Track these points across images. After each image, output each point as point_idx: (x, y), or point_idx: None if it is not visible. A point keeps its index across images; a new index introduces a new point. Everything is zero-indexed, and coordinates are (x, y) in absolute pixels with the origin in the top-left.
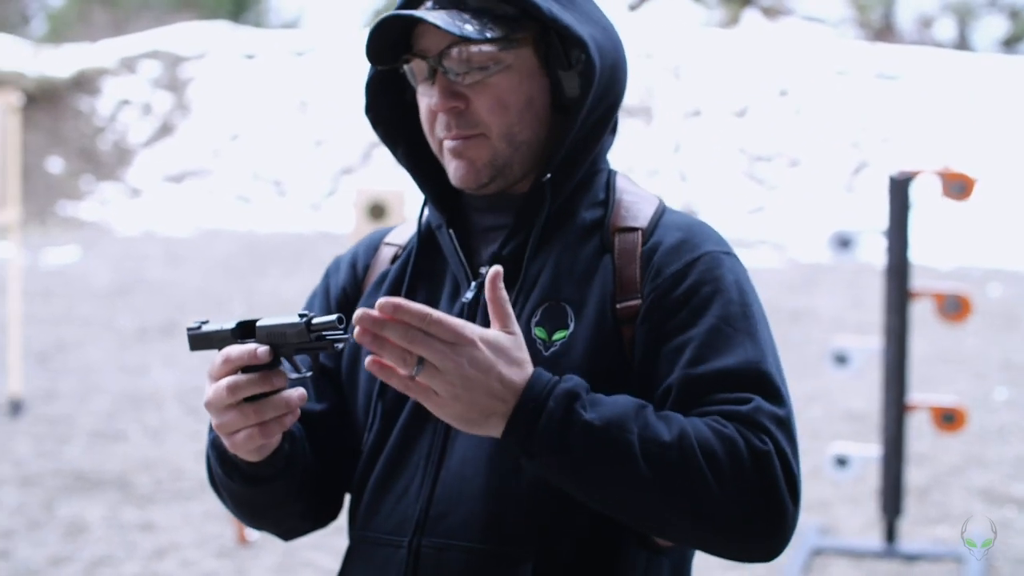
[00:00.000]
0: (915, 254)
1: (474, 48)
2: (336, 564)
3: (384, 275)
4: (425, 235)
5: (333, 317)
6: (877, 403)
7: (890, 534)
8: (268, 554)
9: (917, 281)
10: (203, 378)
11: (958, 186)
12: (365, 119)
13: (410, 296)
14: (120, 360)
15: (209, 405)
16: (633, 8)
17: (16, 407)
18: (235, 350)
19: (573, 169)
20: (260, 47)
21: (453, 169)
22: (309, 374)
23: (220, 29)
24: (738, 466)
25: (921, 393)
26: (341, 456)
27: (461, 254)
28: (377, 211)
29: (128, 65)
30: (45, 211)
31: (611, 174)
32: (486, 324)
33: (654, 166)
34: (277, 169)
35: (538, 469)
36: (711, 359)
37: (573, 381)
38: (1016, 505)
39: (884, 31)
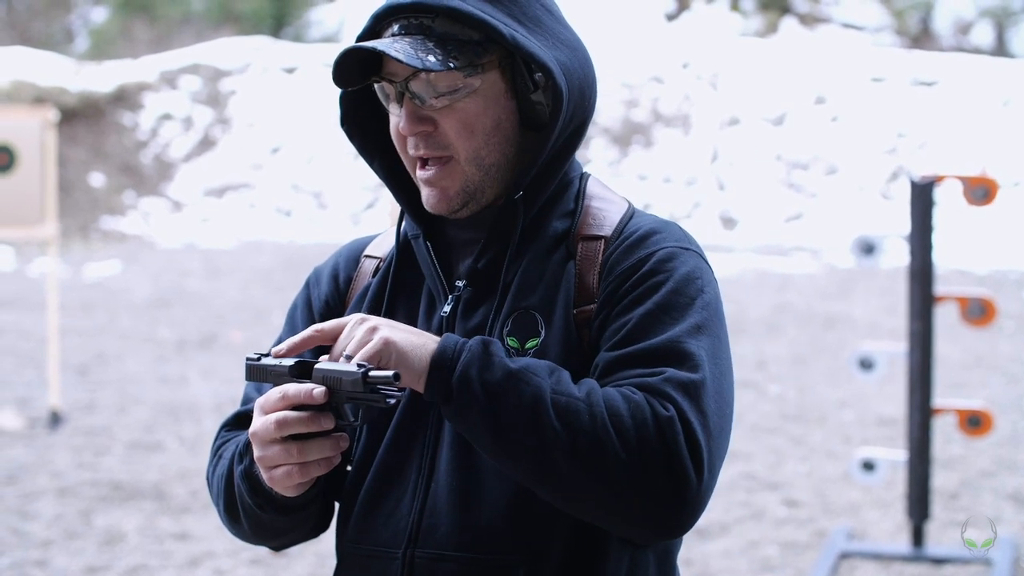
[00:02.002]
0: (946, 258)
1: (439, 74)
2: None
3: (367, 289)
4: (403, 246)
5: (390, 373)
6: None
7: (917, 538)
8: (300, 563)
9: (945, 286)
10: (240, 390)
11: (981, 191)
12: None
13: (390, 310)
14: (159, 372)
15: (255, 436)
16: (671, 18)
17: (55, 419)
18: (293, 388)
19: (545, 185)
20: (300, 61)
21: (426, 196)
22: (358, 423)
23: (260, 43)
24: (642, 429)
25: (952, 397)
26: (335, 469)
27: (438, 267)
28: None
29: (169, 80)
30: (87, 225)
31: (583, 179)
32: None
33: (692, 175)
34: (317, 181)
35: (454, 414)
36: (638, 341)
37: (490, 342)
38: None
39: (921, 37)
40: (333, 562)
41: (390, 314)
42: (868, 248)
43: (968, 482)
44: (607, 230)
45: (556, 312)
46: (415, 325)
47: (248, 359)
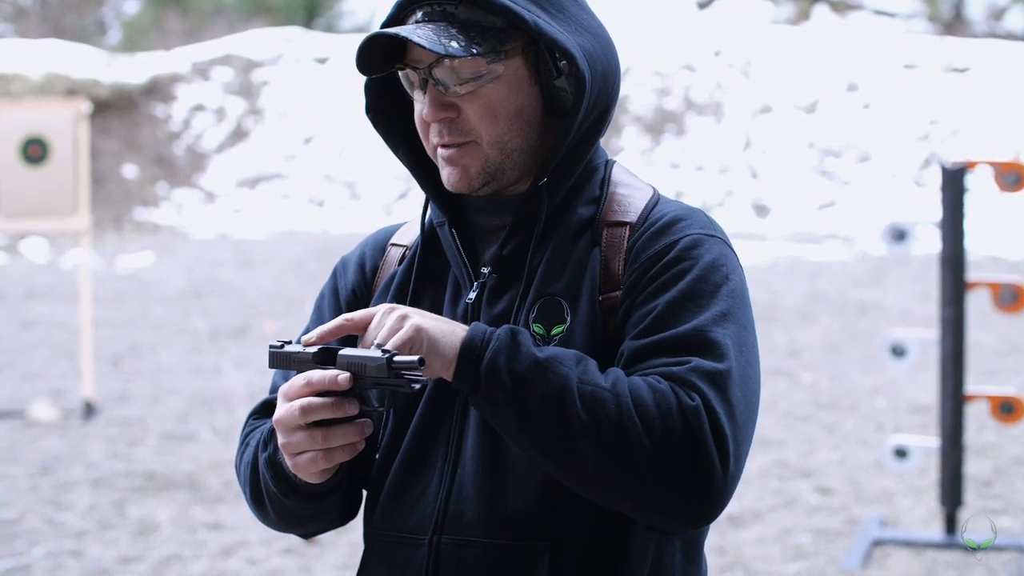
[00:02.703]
0: (977, 245)
1: (463, 60)
2: None
3: (392, 277)
4: (429, 234)
5: (415, 358)
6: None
7: (950, 525)
8: (333, 552)
9: (977, 272)
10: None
11: (1013, 177)
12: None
13: (415, 298)
14: (192, 363)
15: (279, 423)
16: (703, 6)
17: (89, 410)
18: (317, 374)
19: (569, 171)
20: (332, 51)
21: (446, 175)
22: (382, 409)
23: (292, 34)
24: (668, 419)
25: (984, 384)
26: (361, 455)
27: (463, 254)
28: None
29: (201, 71)
30: (121, 217)
31: (608, 166)
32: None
33: (724, 163)
34: (350, 172)
35: (482, 403)
36: (663, 329)
37: (519, 331)
38: None
39: (954, 24)
40: None
41: (415, 302)
42: (899, 235)
43: (1001, 469)
44: (632, 216)
45: (582, 298)
46: (440, 313)
47: (271, 347)
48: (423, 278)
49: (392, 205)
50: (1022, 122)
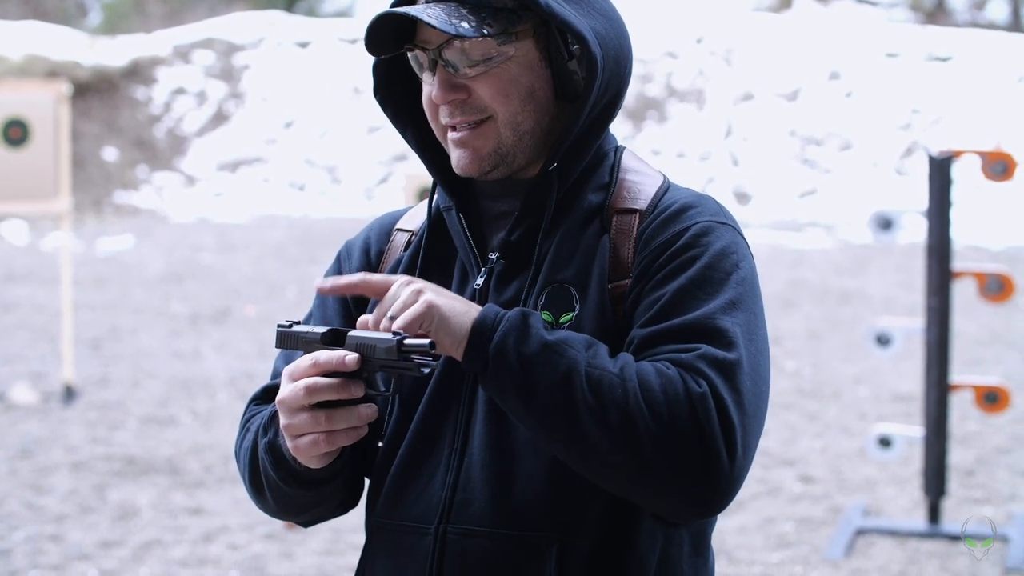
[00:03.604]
0: (961, 234)
1: (473, 42)
2: None
3: (398, 263)
4: (435, 219)
5: (425, 342)
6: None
7: (934, 515)
8: (315, 538)
9: (961, 261)
10: (254, 364)
11: (1000, 166)
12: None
13: None
14: (172, 346)
15: (282, 404)
16: None
17: (69, 393)
18: (324, 354)
19: (579, 157)
20: (313, 35)
21: (456, 158)
22: (388, 393)
23: (274, 18)
24: (674, 405)
25: (967, 374)
26: (364, 443)
27: (471, 239)
28: (426, 196)
29: (182, 54)
30: (101, 200)
31: (618, 152)
32: None
33: (706, 150)
34: (331, 156)
35: (489, 383)
36: (672, 317)
37: (529, 314)
38: None
39: (936, 13)
40: (349, 538)
41: None
42: (886, 224)
43: (984, 459)
44: (642, 203)
45: (591, 286)
46: None
47: (280, 326)
48: (429, 264)
49: (373, 190)
50: (1004, 111)
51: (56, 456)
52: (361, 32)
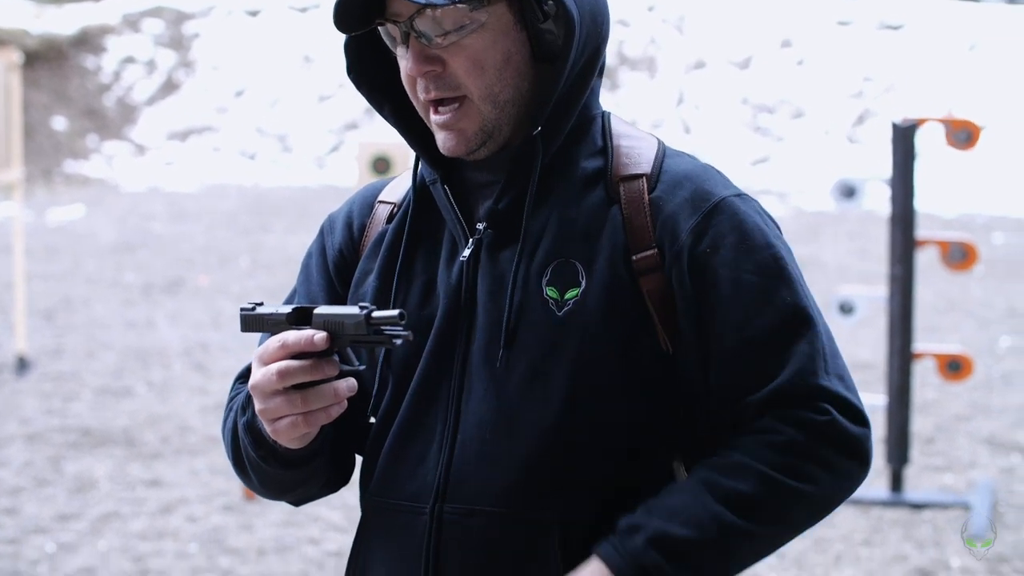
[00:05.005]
0: (922, 202)
1: (445, 10)
2: (342, 519)
3: (381, 236)
4: (420, 191)
5: (395, 313)
6: (883, 352)
7: (896, 483)
8: (274, 510)
9: (921, 230)
10: (208, 334)
11: (963, 134)
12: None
13: (407, 257)
14: (126, 317)
15: (255, 389)
16: None
17: (22, 365)
18: (292, 335)
19: (564, 119)
20: (263, 3)
21: (442, 140)
22: (363, 368)
23: None
24: (813, 457)
25: (926, 342)
26: (352, 420)
27: (457, 210)
28: (381, 165)
29: (132, 23)
30: (50, 170)
31: (605, 117)
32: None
33: (657, 118)
34: (281, 125)
35: None
36: (753, 318)
37: (634, 523)
38: (1021, 453)
39: None
40: (309, 510)
41: (407, 262)
42: (849, 191)
43: (943, 427)
44: (645, 167)
45: (599, 261)
46: (435, 274)
47: (242, 309)
48: (415, 237)
49: (324, 158)
50: (955, 79)
51: (10, 428)
52: (312, 1)
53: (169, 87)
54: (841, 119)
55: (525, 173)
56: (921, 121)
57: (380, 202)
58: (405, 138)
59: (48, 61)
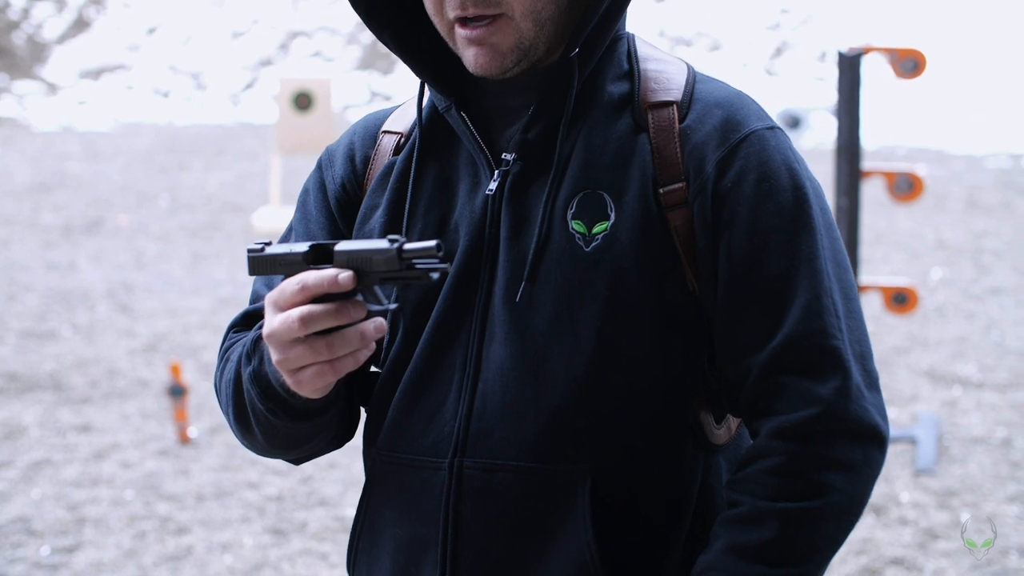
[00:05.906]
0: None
1: None
2: (281, 463)
3: (388, 168)
4: (429, 120)
5: (432, 244)
6: None
7: None
8: (210, 454)
9: (870, 161)
10: (131, 275)
11: (910, 63)
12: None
13: (416, 192)
14: (46, 258)
15: (272, 338)
16: None
17: None
18: (313, 276)
19: (600, 41)
20: None
21: (472, 56)
22: (394, 307)
23: None
24: (822, 463)
25: (870, 275)
26: (359, 370)
27: (479, 139)
28: (303, 101)
29: None
30: None
31: (630, 39)
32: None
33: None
34: (195, 62)
35: None
36: (763, 265)
37: None
38: (961, 385)
39: None
40: (245, 453)
41: (415, 200)
42: (794, 122)
43: (883, 360)
44: (676, 94)
45: (628, 193)
46: (450, 209)
47: (250, 251)
48: (426, 169)
49: (239, 95)
50: (873, 10)
51: None
52: None
53: (80, 24)
54: (758, 52)
55: (558, 98)
56: (868, 50)
57: (384, 132)
58: (408, 64)
59: None
